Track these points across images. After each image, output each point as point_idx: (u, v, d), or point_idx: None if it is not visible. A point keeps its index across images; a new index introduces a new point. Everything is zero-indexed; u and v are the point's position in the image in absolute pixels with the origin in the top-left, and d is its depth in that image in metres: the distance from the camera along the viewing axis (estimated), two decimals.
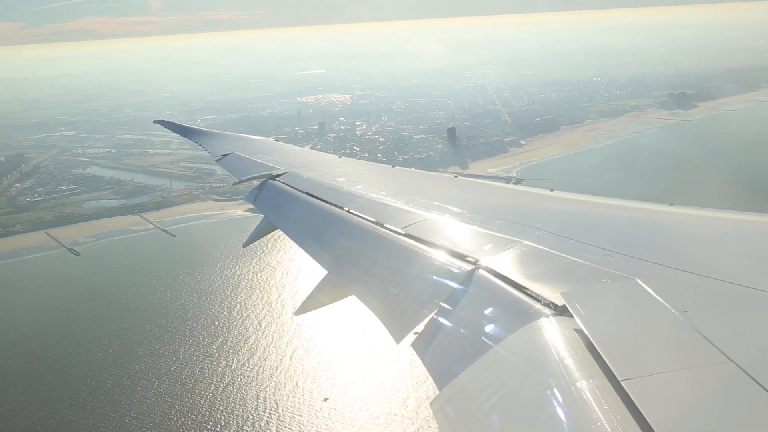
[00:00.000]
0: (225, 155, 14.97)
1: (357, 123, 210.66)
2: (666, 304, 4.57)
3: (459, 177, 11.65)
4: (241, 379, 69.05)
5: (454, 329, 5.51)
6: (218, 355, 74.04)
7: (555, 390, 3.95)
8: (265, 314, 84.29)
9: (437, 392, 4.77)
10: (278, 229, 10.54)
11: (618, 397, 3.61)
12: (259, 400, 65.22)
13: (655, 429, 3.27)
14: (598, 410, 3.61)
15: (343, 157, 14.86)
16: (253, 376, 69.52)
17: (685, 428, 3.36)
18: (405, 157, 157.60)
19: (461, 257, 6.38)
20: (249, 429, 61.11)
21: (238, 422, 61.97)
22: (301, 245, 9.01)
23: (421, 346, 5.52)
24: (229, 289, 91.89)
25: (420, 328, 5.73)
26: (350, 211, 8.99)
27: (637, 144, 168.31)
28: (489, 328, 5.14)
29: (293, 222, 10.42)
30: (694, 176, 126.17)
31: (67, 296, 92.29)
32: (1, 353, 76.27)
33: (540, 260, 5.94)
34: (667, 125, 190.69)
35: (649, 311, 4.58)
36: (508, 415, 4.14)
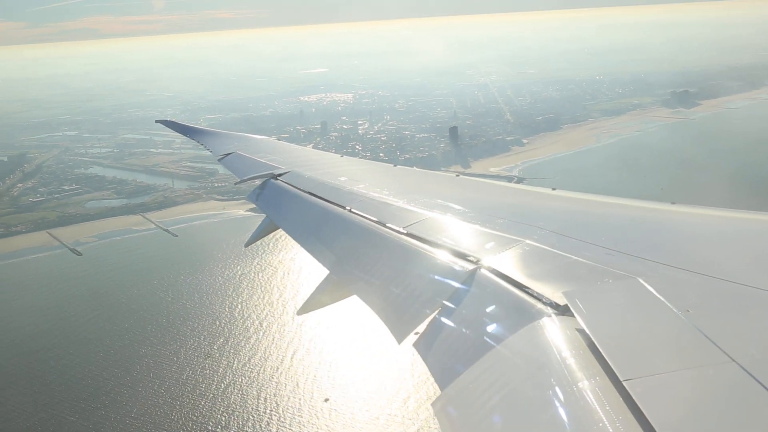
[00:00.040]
0: (227, 155, 14.97)
1: (359, 122, 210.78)
2: (668, 304, 4.55)
3: (461, 176, 11.62)
4: (241, 379, 69.16)
5: (456, 329, 5.50)
6: (219, 356, 74.14)
7: (557, 390, 3.94)
8: (267, 314, 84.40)
9: (438, 393, 4.76)
10: (280, 229, 10.55)
11: (620, 397, 3.60)
12: (260, 401, 65.31)
13: (657, 429, 3.25)
14: (599, 410, 3.59)
15: (344, 157, 14.86)
16: (254, 377, 69.62)
17: (688, 428, 3.35)
18: (407, 156, 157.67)
19: (463, 257, 6.37)
20: (249, 430, 61.19)
21: (238, 423, 62.05)
22: (303, 245, 9.01)
23: (422, 346, 5.51)
24: (231, 289, 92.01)
25: (422, 328, 5.73)
26: (352, 210, 8.98)
27: (639, 142, 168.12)
28: (490, 328, 5.13)
29: (295, 221, 10.42)
30: (696, 175, 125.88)
31: (68, 296, 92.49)
32: (3, 353, 76.47)
33: (542, 259, 5.93)
34: (670, 123, 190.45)
35: (651, 311, 4.57)
36: (510, 415, 4.13)
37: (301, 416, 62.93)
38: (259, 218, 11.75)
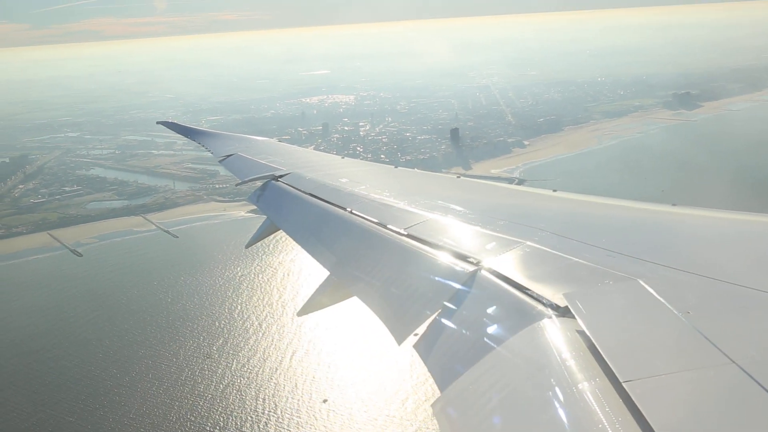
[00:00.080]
0: (228, 156, 15.00)
1: (361, 124, 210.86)
2: (668, 306, 4.55)
3: (462, 178, 11.64)
4: (240, 380, 69.15)
5: (456, 330, 5.50)
6: (218, 357, 74.16)
7: (557, 392, 3.93)
8: (266, 315, 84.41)
9: (436, 393, 4.76)
10: (281, 230, 10.55)
11: (620, 399, 3.59)
12: (258, 402, 65.28)
13: (656, 431, 3.25)
14: (599, 412, 3.59)
15: (346, 158, 14.89)
16: (253, 378, 69.60)
17: (687, 430, 3.34)
18: (408, 157, 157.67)
19: (463, 258, 6.38)
20: (248, 430, 61.14)
21: (236, 423, 62.06)
22: (304, 246, 9.01)
23: (422, 347, 5.51)
24: (231, 290, 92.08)
25: (422, 329, 5.72)
26: (353, 212, 8.98)
27: (640, 144, 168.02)
28: (491, 329, 5.13)
29: (296, 223, 10.43)
30: (697, 177, 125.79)
31: (68, 297, 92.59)
32: (3, 353, 76.54)
33: (542, 261, 5.93)
34: (671, 125, 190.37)
35: (651, 312, 4.57)
36: (510, 416, 4.13)
37: (299, 417, 62.91)
38: (260, 220, 11.77)
